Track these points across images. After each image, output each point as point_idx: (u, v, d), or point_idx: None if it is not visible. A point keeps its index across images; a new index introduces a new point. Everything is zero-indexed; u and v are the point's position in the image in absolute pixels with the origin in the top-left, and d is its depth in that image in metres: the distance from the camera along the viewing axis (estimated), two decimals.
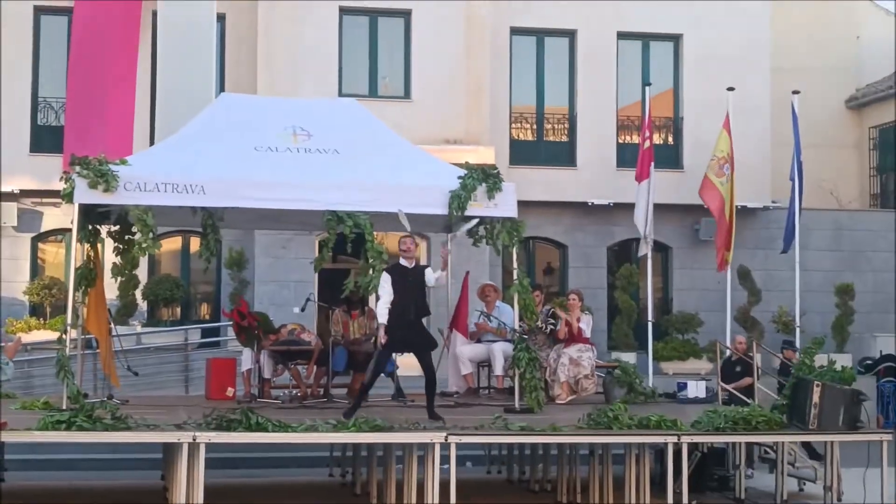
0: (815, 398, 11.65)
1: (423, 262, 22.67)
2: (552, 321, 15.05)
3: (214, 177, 12.38)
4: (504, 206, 13.07)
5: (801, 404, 11.86)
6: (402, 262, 12.37)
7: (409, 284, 12.19)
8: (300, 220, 14.88)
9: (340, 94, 21.81)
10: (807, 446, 14.51)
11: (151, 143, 19.92)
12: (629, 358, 19.96)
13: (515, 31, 23.88)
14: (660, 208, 19.75)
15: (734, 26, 24.25)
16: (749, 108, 23.11)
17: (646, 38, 24.40)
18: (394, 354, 13.92)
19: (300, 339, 14.60)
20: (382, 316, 12.14)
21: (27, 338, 20.53)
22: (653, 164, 19.17)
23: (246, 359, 14.62)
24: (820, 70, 27.61)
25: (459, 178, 12.94)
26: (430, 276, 12.39)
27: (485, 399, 14.62)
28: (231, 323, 15.46)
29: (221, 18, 22.20)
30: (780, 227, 23.85)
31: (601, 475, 12.64)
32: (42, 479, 14.53)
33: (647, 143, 19.28)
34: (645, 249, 19.18)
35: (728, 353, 16.50)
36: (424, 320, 12.38)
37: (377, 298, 12.36)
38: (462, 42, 22.73)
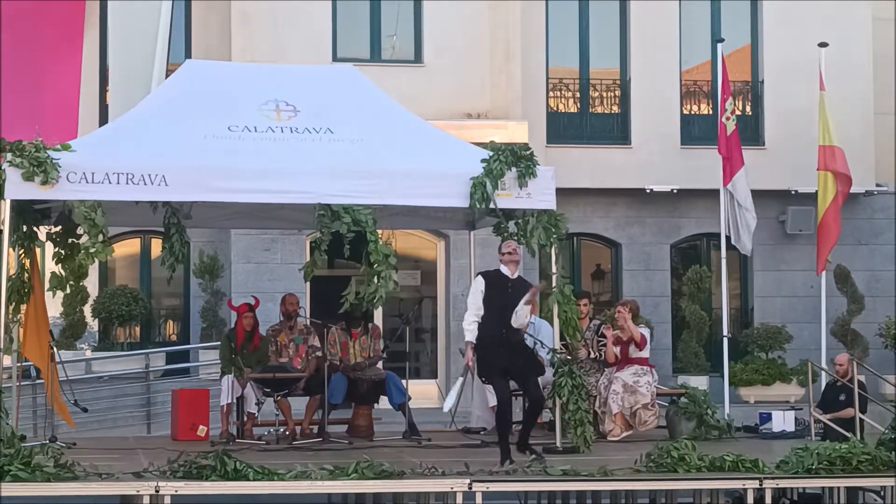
0: None
1: (442, 266, 22.73)
2: (602, 340, 15.07)
3: (179, 164, 12.41)
4: (540, 195, 13.10)
5: None
6: (503, 269, 12.39)
7: (509, 298, 12.19)
8: (286, 217, 14.93)
9: (335, 60, 21.86)
10: None
11: (101, 123, 20.01)
12: (699, 382, 19.95)
13: None
14: None
15: None
16: (846, 68, 23.01)
17: None
18: (404, 382, 14.01)
19: (286, 363, 14.68)
20: (469, 332, 12.13)
21: None
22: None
23: (224, 390, 14.67)
24: None
25: (483, 161, 12.97)
26: (522, 310, 12.26)
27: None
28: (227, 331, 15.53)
29: None
30: (888, 216, 23.80)
31: None
32: None
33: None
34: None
35: (830, 376, 16.47)
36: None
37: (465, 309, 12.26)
38: None
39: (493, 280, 12.28)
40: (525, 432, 12.41)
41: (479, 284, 12.28)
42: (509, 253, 12.41)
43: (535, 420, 12.53)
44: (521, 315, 12.22)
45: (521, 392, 15.15)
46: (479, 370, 12.42)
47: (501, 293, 12.20)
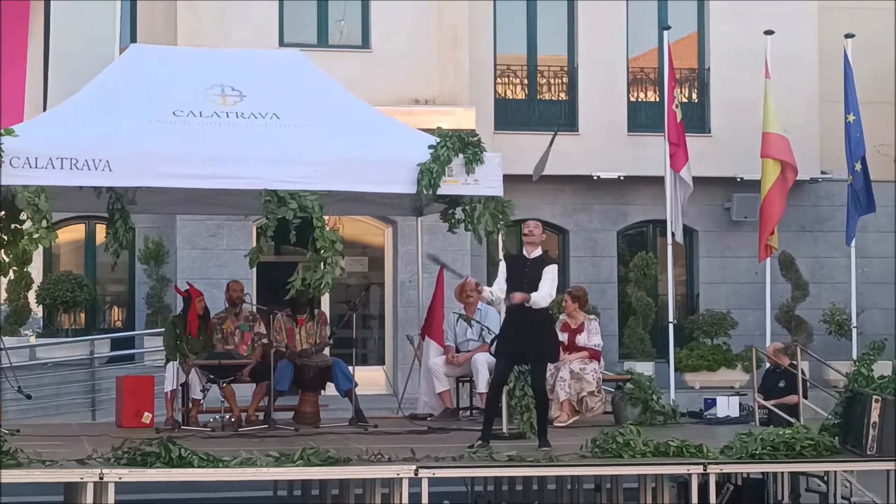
0: (875, 417, 11.71)
1: (389, 252, 22.74)
2: None
3: (123, 150, 12.36)
4: (487, 181, 13.13)
5: (857, 424, 11.92)
6: (524, 250, 12.34)
7: (524, 277, 12.13)
8: (232, 203, 14.87)
9: (281, 45, 21.79)
10: None
11: (45, 108, 19.85)
12: (645, 368, 20.02)
13: None
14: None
15: None
16: (792, 56, 23.17)
17: None
18: (350, 368, 13.98)
19: (231, 350, 14.63)
20: (492, 291, 12.19)
21: None
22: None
23: (169, 376, 14.61)
24: (879, 8, 27.62)
25: (431, 147, 12.97)
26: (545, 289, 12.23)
27: (465, 422, 14.66)
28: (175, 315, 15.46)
29: None
30: (832, 204, 24.02)
31: None
32: None
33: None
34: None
35: (771, 363, 16.61)
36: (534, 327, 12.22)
37: None
38: None
39: (512, 262, 12.29)
40: (540, 427, 12.35)
41: (502, 267, 12.27)
42: (525, 235, 12.33)
43: (545, 414, 12.44)
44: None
45: (468, 379, 15.34)
46: (495, 346, 12.45)
47: (518, 274, 12.14)
